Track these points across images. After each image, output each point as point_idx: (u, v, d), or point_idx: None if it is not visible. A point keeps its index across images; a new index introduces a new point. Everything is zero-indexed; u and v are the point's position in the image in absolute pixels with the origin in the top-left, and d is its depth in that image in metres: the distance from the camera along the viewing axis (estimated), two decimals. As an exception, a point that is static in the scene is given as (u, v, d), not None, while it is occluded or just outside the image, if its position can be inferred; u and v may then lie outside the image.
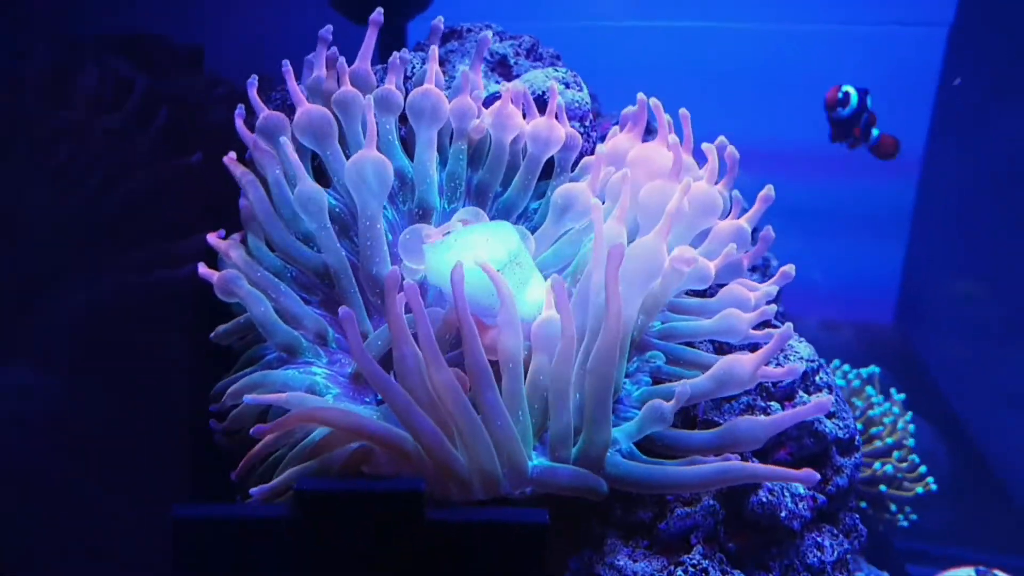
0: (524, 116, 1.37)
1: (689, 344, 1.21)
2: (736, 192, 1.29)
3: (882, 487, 1.88)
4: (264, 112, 1.32)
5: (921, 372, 2.76)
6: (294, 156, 1.26)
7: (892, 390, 2.05)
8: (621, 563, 1.09)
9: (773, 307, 1.17)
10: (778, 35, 2.81)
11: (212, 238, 1.31)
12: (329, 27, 1.37)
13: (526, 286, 1.17)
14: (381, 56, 1.57)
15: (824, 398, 1.11)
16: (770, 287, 1.21)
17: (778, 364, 1.24)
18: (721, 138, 1.31)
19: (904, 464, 1.90)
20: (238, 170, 1.33)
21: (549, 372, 1.09)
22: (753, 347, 1.23)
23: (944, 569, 1.79)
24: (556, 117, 1.35)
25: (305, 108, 1.30)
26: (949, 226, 2.83)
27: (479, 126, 1.37)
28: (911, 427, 1.96)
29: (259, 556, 1.01)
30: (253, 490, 1.07)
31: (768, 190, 1.27)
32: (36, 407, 1.18)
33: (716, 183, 1.26)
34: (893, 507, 1.90)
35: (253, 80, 1.34)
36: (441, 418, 1.05)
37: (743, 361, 1.10)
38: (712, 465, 1.08)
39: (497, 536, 1.02)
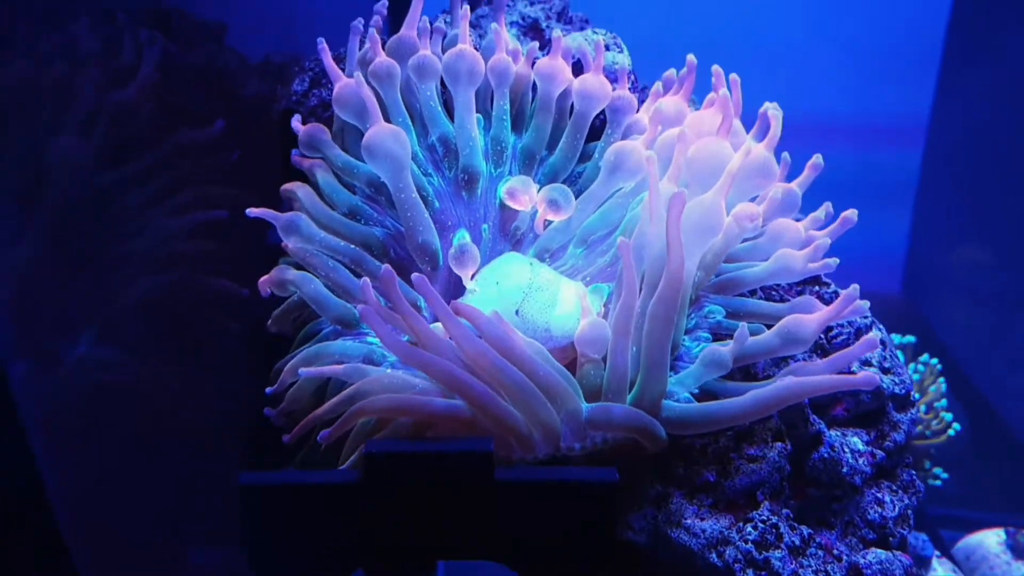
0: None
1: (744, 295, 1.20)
2: (785, 154, 1.28)
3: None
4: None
5: (930, 339, 2.76)
6: (370, 95, 1.23)
7: (926, 355, 2.06)
8: (688, 521, 1.08)
9: (827, 240, 1.16)
10: (785, 4, 2.80)
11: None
12: (385, 1, 1.36)
13: (554, 306, 1.18)
14: (393, 29, 1.55)
15: (872, 334, 1.10)
16: (819, 213, 1.21)
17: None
18: (768, 104, 1.29)
19: (934, 418, 1.91)
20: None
21: (595, 371, 1.10)
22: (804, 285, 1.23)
23: (969, 532, 1.80)
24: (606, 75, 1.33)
25: (343, 83, 1.28)
26: (955, 193, 2.83)
27: (521, 77, 1.36)
28: (943, 387, 1.97)
29: (328, 521, 1.00)
30: (322, 434, 1.06)
31: (816, 159, 1.26)
32: (114, 378, 1.20)
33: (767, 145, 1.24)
34: (928, 464, 1.91)
35: (322, 45, 1.32)
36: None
37: (808, 320, 1.10)
38: (769, 389, 1.08)
39: (566, 494, 1.01)
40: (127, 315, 1.27)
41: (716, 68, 1.29)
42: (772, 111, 1.22)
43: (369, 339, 1.20)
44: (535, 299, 1.17)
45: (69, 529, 1.13)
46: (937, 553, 1.55)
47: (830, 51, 2.80)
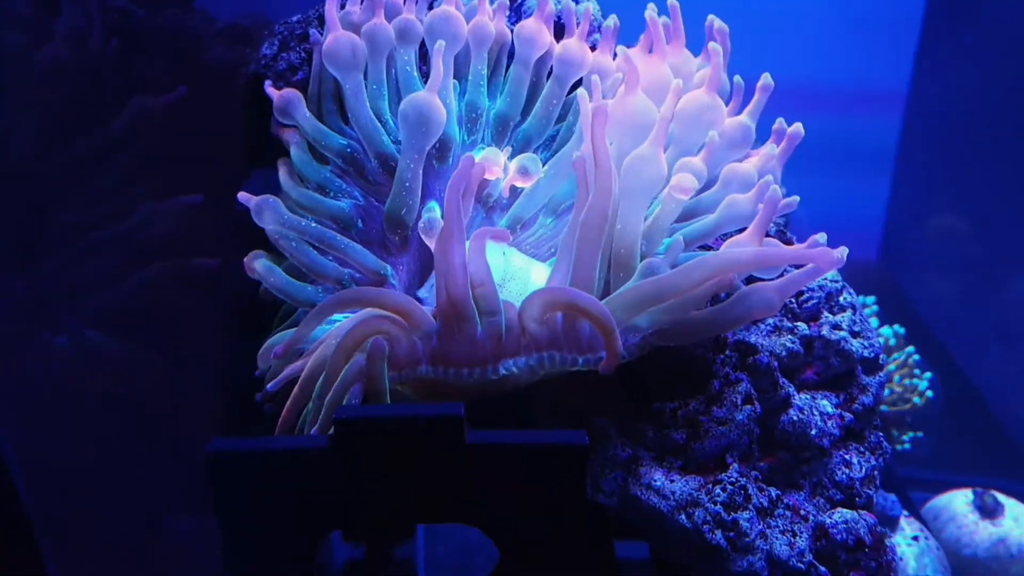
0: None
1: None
2: (737, 78, 1.23)
3: (883, 407, 1.92)
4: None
5: (906, 307, 2.78)
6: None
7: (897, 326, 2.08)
8: (659, 484, 1.09)
9: (770, 177, 1.10)
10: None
11: None
12: None
13: (527, 293, 1.16)
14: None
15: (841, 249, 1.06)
16: (771, 147, 1.17)
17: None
18: (711, 17, 1.27)
19: (904, 386, 1.94)
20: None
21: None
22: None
23: (939, 493, 1.83)
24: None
25: (336, 34, 1.25)
26: (934, 161, 2.84)
27: (497, 38, 1.34)
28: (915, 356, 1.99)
29: (299, 487, 1.00)
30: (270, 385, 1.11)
31: (765, 78, 1.21)
32: (101, 365, 1.20)
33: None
34: (895, 432, 1.93)
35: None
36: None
37: (740, 199, 1.10)
38: (716, 252, 1.06)
39: (537, 457, 1.01)
40: (115, 303, 1.27)
41: (648, 15, 1.26)
42: (713, 45, 1.19)
43: (334, 317, 1.20)
44: (509, 288, 1.18)
45: (41, 501, 1.12)
46: (905, 513, 1.57)
47: (808, 15, 2.78)
